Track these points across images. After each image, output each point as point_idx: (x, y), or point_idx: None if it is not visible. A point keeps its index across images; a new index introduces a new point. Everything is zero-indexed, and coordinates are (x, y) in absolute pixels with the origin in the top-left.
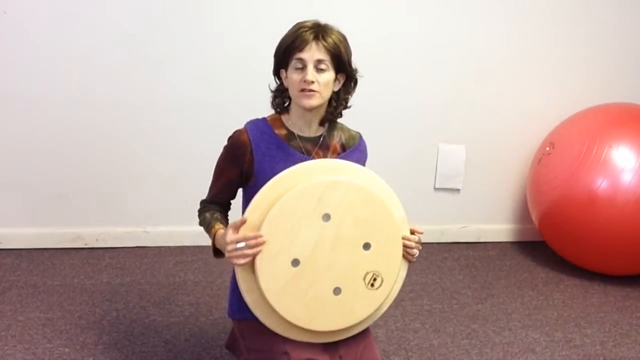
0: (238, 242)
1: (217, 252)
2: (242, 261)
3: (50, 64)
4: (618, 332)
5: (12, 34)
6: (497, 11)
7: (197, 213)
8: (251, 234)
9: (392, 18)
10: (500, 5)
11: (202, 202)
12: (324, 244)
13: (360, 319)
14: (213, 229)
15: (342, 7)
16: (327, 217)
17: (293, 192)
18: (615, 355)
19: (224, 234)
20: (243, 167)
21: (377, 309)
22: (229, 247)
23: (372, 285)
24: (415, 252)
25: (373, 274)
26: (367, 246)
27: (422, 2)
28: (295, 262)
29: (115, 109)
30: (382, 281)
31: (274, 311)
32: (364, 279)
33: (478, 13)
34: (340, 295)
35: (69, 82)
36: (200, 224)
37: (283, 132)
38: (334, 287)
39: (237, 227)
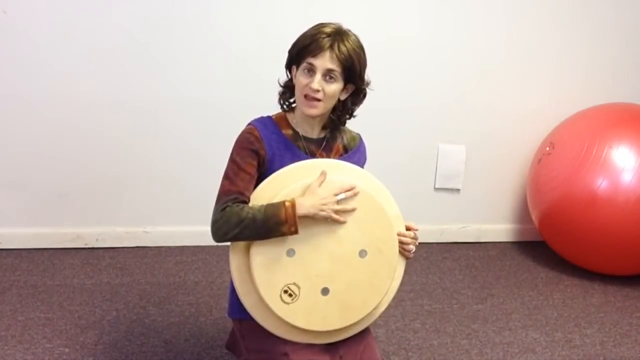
0: (337, 195)
1: (279, 225)
2: (342, 219)
3: (50, 64)
4: (618, 332)
5: (12, 34)
6: (497, 11)
7: (224, 218)
8: (347, 185)
9: (392, 19)
10: (501, 5)
11: (227, 202)
12: (318, 242)
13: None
14: (285, 203)
15: (342, 8)
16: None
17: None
18: (615, 355)
19: (311, 193)
20: (259, 160)
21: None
22: (331, 200)
23: (285, 292)
24: (412, 247)
25: (291, 290)
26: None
27: (422, 3)
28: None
29: (115, 109)
30: (295, 297)
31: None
32: (281, 292)
33: (478, 13)
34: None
35: (69, 82)
36: (243, 220)
37: (289, 132)
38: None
39: (321, 183)
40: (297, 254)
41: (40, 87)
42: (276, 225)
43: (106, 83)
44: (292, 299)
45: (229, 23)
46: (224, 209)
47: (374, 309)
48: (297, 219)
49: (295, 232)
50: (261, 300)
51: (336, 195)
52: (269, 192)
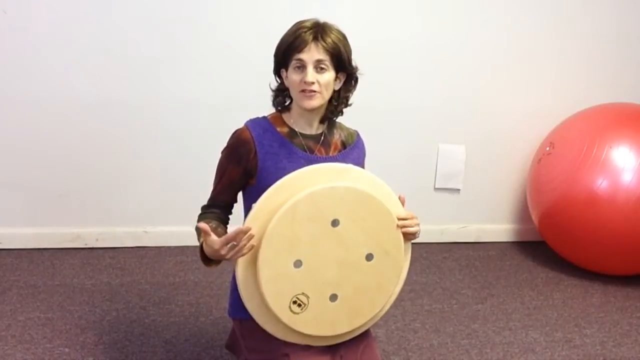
0: (228, 243)
1: (207, 261)
2: (241, 255)
3: (50, 64)
4: (618, 332)
5: (12, 34)
6: (497, 12)
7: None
8: (232, 234)
9: (392, 19)
10: (501, 5)
11: (202, 208)
12: (325, 250)
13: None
14: (201, 238)
15: (343, 7)
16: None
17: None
18: (615, 355)
19: (212, 244)
20: (247, 165)
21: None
22: (224, 251)
23: (294, 303)
24: (416, 230)
25: (300, 300)
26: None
27: (422, 3)
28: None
29: (115, 109)
30: (305, 306)
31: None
32: (290, 303)
33: (478, 13)
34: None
35: (69, 82)
36: (196, 230)
37: (285, 129)
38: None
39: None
40: (305, 264)
41: (40, 87)
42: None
43: (106, 83)
44: (302, 309)
45: (229, 23)
46: (198, 215)
47: (380, 310)
48: (204, 254)
49: (210, 265)
50: (270, 312)
51: (223, 246)
52: (278, 200)
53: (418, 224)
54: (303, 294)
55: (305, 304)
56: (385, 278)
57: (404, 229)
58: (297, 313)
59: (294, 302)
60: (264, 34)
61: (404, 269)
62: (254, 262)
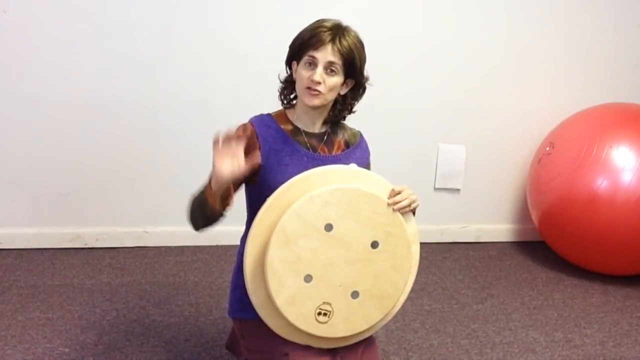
0: (229, 137)
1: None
2: (221, 154)
3: (50, 64)
4: (618, 332)
5: (12, 34)
6: (497, 12)
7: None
8: (234, 135)
9: (392, 19)
10: (501, 6)
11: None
12: (329, 256)
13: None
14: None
15: (343, 7)
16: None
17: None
18: (615, 355)
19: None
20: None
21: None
22: (216, 156)
23: (319, 314)
24: (408, 203)
25: (324, 310)
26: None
27: (422, 4)
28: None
29: (115, 109)
30: (330, 313)
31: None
32: (315, 316)
33: (478, 14)
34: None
35: (69, 82)
36: (191, 205)
37: (289, 127)
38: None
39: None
40: (315, 276)
41: (40, 86)
42: (204, 197)
43: (106, 83)
44: (328, 317)
45: (229, 22)
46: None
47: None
48: (216, 194)
49: (216, 205)
50: (274, 307)
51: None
52: (296, 192)
53: (410, 196)
54: (324, 303)
55: (330, 311)
56: (397, 257)
57: (397, 206)
58: (326, 322)
59: (319, 314)
60: (265, 34)
61: (413, 241)
62: (263, 254)
